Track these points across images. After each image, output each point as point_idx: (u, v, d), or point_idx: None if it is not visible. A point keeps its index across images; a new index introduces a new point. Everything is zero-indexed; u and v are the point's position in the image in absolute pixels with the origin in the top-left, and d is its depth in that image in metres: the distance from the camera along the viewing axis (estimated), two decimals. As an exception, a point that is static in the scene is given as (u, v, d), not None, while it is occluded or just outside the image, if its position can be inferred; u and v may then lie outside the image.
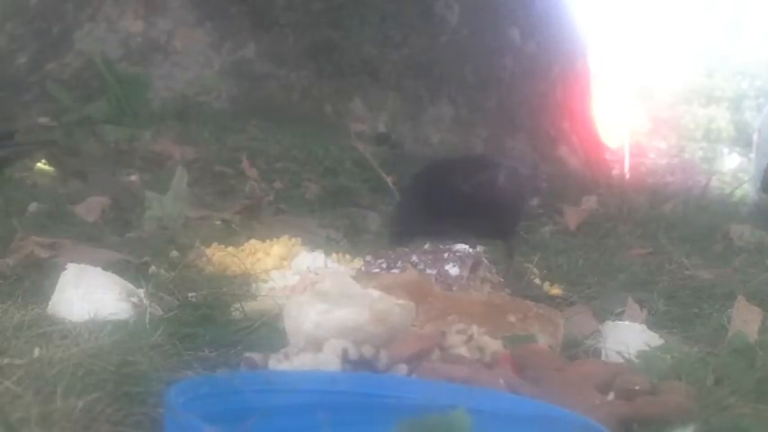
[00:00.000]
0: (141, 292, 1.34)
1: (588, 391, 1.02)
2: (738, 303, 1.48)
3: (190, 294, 1.41)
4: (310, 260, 1.65)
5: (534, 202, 2.96)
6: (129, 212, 2.25)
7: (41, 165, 2.71)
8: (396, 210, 2.18)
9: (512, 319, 1.27)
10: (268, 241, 1.77)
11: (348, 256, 1.75)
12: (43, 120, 3.43)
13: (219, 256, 1.72)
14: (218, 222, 2.22)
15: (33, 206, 2.18)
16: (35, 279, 1.44)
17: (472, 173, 1.95)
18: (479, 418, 0.73)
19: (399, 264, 1.55)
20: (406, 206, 2.13)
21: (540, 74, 4.39)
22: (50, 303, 1.27)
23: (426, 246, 1.64)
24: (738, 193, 4.97)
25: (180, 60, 3.92)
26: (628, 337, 1.32)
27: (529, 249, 2.25)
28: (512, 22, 4.35)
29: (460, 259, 1.55)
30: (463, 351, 1.09)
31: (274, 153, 3.27)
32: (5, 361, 0.99)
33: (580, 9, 5.07)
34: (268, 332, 1.23)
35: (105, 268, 1.37)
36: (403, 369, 0.98)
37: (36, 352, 1.03)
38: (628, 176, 5.92)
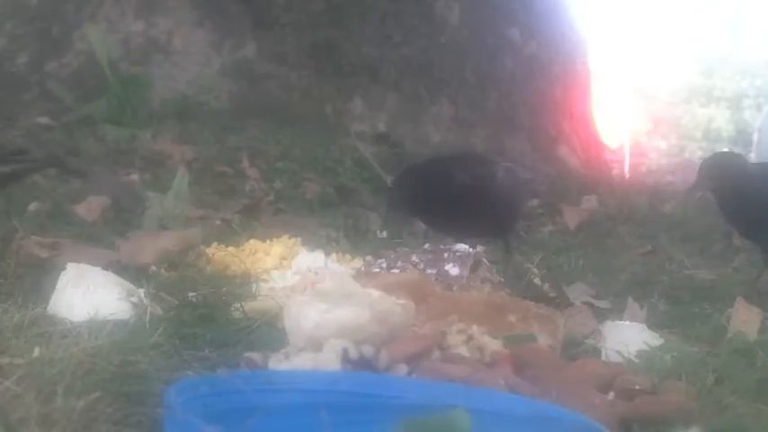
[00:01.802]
0: (141, 292, 1.34)
1: (588, 391, 1.02)
2: (738, 304, 1.48)
3: (190, 294, 1.41)
4: (310, 260, 1.65)
5: (533, 202, 2.96)
6: (129, 212, 2.25)
7: (41, 165, 2.70)
8: (391, 194, 2.12)
9: (512, 319, 1.27)
10: (268, 241, 1.77)
11: (348, 256, 1.75)
12: (43, 120, 3.43)
13: (219, 256, 1.72)
14: (218, 222, 2.22)
15: (33, 206, 2.18)
16: (35, 279, 1.44)
17: (471, 168, 1.94)
18: (479, 418, 0.73)
19: (399, 264, 1.55)
20: (401, 192, 2.06)
21: (540, 74, 4.39)
22: (50, 303, 1.27)
23: (426, 246, 1.64)
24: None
25: (180, 60, 3.92)
26: (628, 337, 1.32)
27: (529, 249, 2.24)
28: (512, 22, 4.35)
29: (460, 259, 1.55)
30: (463, 351, 1.09)
31: (274, 153, 3.26)
32: (5, 361, 0.99)
33: (580, 9, 5.07)
34: (268, 332, 1.23)
35: (105, 268, 1.37)
36: (403, 369, 0.98)
37: (36, 352, 1.03)
38: (628, 176, 5.91)
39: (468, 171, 1.91)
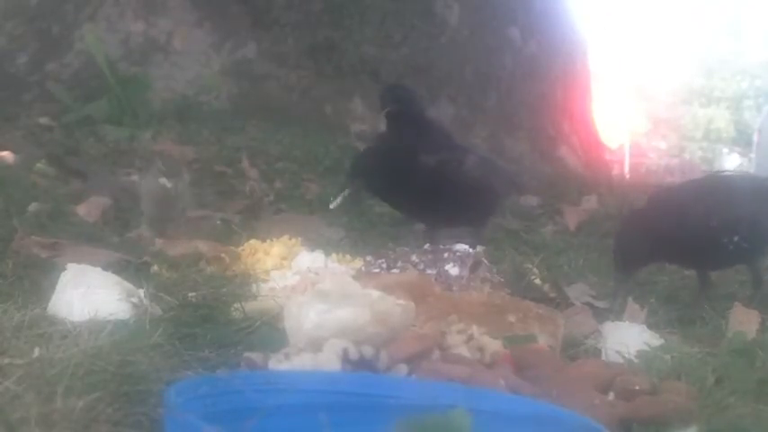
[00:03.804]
0: (141, 292, 1.34)
1: (588, 391, 1.02)
2: (736, 309, 1.48)
3: (190, 294, 1.41)
4: (310, 260, 1.65)
5: (534, 202, 2.96)
6: (129, 212, 2.25)
7: (41, 165, 2.70)
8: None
9: (512, 319, 1.27)
10: (268, 241, 1.77)
11: (348, 256, 1.75)
12: (43, 120, 3.43)
13: (219, 256, 1.72)
14: (219, 222, 2.23)
15: (33, 206, 2.17)
16: (35, 279, 1.44)
17: (434, 152, 1.98)
18: (479, 418, 0.73)
19: (399, 264, 1.55)
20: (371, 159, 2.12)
21: (540, 74, 4.39)
22: (50, 303, 1.27)
23: (426, 246, 1.64)
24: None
25: (180, 60, 3.92)
26: (628, 337, 1.32)
27: (529, 249, 2.24)
28: (512, 21, 4.35)
29: (460, 259, 1.55)
30: (463, 351, 1.09)
31: (274, 153, 3.27)
32: (5, 361, 0.99)
33: (580, 9, 5.07)
34: (268, 332, 1.23)
35: (105, 268, 1.37)
36: (403, 369, 0.98)
37: (36, 352, 1.03)
38: (628, 176, 5.92)
39: (431, 155, 1.95)
